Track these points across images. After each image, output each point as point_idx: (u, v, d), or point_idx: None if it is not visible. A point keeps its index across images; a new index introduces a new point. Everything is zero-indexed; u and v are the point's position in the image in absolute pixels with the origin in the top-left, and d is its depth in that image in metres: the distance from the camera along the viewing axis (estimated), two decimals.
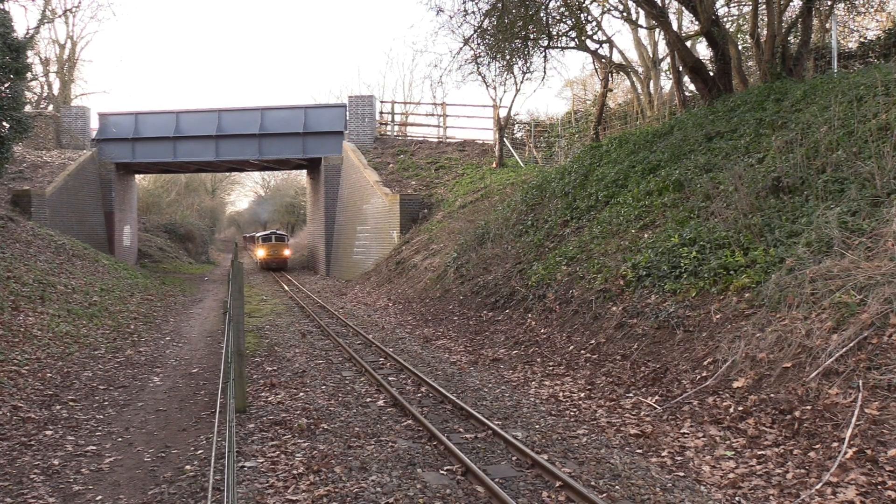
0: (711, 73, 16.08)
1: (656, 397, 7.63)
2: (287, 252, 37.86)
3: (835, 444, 5.50)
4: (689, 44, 20.18)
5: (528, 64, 20.02)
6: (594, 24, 19.72)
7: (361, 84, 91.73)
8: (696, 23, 17.00)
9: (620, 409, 7.63)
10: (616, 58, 21.71)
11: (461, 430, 7.23)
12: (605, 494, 5.40)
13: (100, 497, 5.67)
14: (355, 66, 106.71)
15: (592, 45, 19.91)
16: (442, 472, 6.03)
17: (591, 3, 19.28)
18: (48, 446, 6.90)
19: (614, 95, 28.32)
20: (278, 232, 40.77)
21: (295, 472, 6.05)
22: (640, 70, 24.86)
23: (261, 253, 38.05)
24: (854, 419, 5.55)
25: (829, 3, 15.78)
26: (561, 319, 11.13)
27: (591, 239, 12.66)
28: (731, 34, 17.74)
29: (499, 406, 8.13)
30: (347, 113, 30.01)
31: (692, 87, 17.53)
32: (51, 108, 36.94)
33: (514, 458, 6.33)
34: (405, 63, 77.47)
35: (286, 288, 25.04)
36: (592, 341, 9.83)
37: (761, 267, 8.11)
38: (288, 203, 68.72)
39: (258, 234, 42.37)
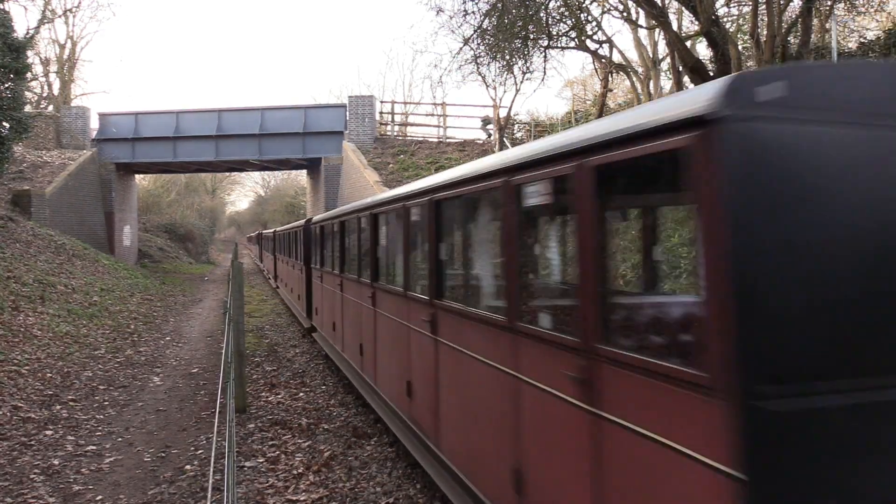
0: (711, 73, 16.07)
1: None
2: None
3: None
4: (689, 44, 20.18)
5: (528, 64, 20.01)
6: (594, 24, 19.72)
7: (361, 84, 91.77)
8: (696, 23, 16.99)
9: None
10: (616, 58, 21.71)
11: None
12: None
13: (100, 497, 5.67)
14: (355, 66, 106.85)
15: (592, 45, 19.91)
16: None
17: (591, 3, 19.29)
18: (48, 446, 6.90)
19: (614, 95, 28.32)
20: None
21: (295, 472, 6.05)
22: (640, 70, 24.84)
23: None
24: None
25: (829, 3, 15.76)
26: None
27: None
28: (731, 34, 17.73)
29: None
30: (347, 113, 30.00)
31: (692, 87, 17.52)
32: (51, 108, 36.93)
33: None
34: (405, 63, 77.62)
35: None
36: None
37: None
38: (288, 203, 68.74)
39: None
